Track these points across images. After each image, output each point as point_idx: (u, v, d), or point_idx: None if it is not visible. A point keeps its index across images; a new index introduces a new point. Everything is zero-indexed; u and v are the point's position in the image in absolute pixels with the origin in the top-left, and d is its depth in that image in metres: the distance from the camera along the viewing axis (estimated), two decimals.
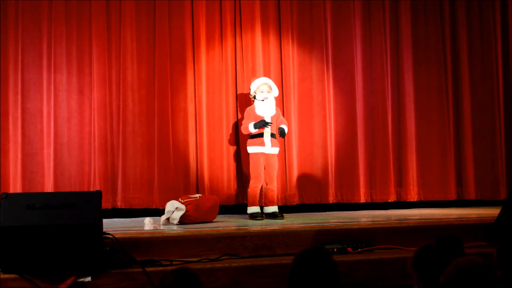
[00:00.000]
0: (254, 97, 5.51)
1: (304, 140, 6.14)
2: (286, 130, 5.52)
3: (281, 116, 5.68)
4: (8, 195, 3.38)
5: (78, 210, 3.36)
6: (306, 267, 2.55)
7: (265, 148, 5.37)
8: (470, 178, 6.48)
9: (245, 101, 5.96)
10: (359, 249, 3.95)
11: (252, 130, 5.39)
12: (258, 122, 5.33)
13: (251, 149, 5.43)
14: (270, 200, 5.40)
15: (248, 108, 5.57)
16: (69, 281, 3.12)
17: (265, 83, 5.49)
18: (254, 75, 5.92)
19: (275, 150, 5.45)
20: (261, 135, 5.37)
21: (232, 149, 5.99)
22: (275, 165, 5.45)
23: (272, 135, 5.42)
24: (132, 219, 5.57)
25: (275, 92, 5.57)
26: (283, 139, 5.85)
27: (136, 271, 3.42)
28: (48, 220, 3.31)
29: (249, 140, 5.46)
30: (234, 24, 6.12)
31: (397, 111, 6.43)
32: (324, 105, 6.19)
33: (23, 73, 5.67)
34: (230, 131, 5.99)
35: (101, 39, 5.84)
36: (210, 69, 6.04)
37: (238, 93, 6.06)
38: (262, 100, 5.44)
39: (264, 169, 5.40)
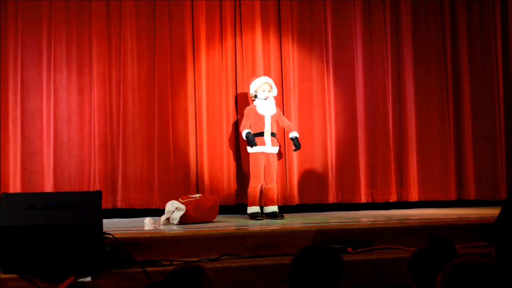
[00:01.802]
0: (255, 96, 5.51)
1: (304, 140, 6.12)
2: (297, 136, 5.55)
3: (283, 117, 5.68)
4: (8, 195, 3.38)
5: (78, 210, 3.36)
6: (308, 264, 2.53)
7: (265, 148, 5.38)
8: (470, 178, 6.48)
9: (245, 101, 5.95)
10: (359, 249, 3.95)
11: (243, 136, 5.41)
12: (251, 140, 5.31)
13: (251, 149, 5.43)
14: (270, 199, 5.40)
15: (248, 108, 5.57)
16: (67, 281, 3.12)
17: (266, 82, 5.50)
18: (254, 75, 5.91)
19: (275, 149, 5.46)
20: (261, 134, 5.38)
21: (232, 149, 5.99)
22: (275, 164, 5.46)
23: (272, 134, 5.43)
24: (132, 219, 5.57)
25: (275, 91, 5.58)
26: (284, 137, 5.86)
27: (136, 271, 3.42)
28: (48, 220, 3.31)
29: None
30: (234, 24, 6.12)
31: (397, 111, 6.43)
32: (324, 105, 6.19)
33: (22, 72, 5.67)
34: (230, 131, 5.99)
35: (101, 39, 5.83)
36: (210, 69, 6.03)
37: (238, 93, 6.06)
38: (265, 99, 5.44)
39: (264, 168, 5.40)
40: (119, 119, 5.81)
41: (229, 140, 6.00)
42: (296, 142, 5.52)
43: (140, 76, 5.89)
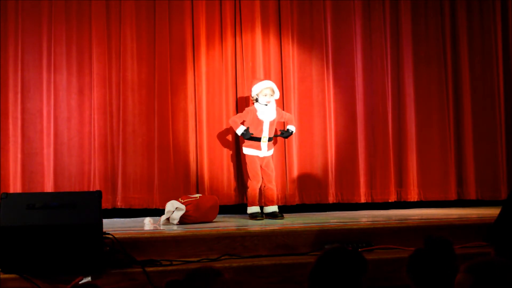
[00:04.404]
0: (256, 99, 5.49)
1: (304, 140, 6.14)
2: (293, 131, 5.59)
3: (283, 113, 5.66)
4: (8, 195, 3.38)
5: (78, 210, 3.36)
6: (332, 265, 2.51)
7: (260, 152, 5.39)
8: (471, 177, 6.47)
9: (245, 101, 5.96)
10: (359, 249, 3.95)
11: (238, 133, 5.44)
12: (248, 135, 5.35)
13: (246, 150, 5.44)
14: (269, 199, 5.40)
15: (249, 108, 5.55)
16: (74, 282, 3.14)
17: (269, 87, 5.44)
18: (254, 75, 5.91)
19: (270, 153, 5.48)
20: (258, 139, 5.37)
21: (232, 149, 5.99)
22: (271, 164, 5.47)
23: (269, 139, 5.43)
24: (132, 219, 5.57)
25: (277, 95, 5.56)
26: (282, 138, 5.86)
27: (136, 271, 3.43)
28: (48, 220, 3.32)
29: (246, 141, 5.45)
30: (234, 24, 6.11)
31: (397, 111, 6.42)
32: (324, 105, 6.19)
33: (23, 73, 5.67)
34: (230, 131, 5.98)
35: (101, 39, 5.83)
36: (210, 69, 6.03)
37: (238, 93, 6.06)
38: (265, 105, 5.42)
39: (261, 169, 5.41)
40: (119, 119, 5.81)
41: (229, 140, 6.00)
42: (286, 133, 5.55)
43: (140, 76, 5.89)
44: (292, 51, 6.18)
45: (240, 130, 5.42)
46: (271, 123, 5.44)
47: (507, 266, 1.92)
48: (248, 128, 5.41)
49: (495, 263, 1.94)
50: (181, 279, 2.55)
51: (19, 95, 5.65)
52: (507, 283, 1.87)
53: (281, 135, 5.59)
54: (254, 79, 5.74)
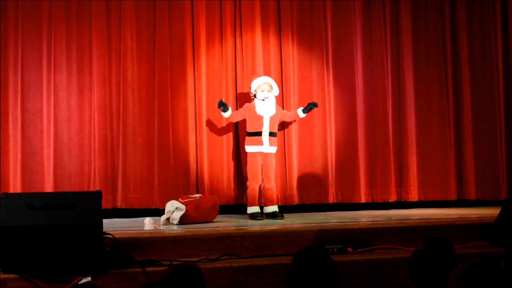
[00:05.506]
0: (255, 95, 5.51)
1: (304, 140, 6.14)
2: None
3: (285, 111, 5.70)
4: (8, 195, 3.38)
5: (78, 210, 3.36)
6: (305, 267, 2.55)
7: (263, 147, 5.38)
8: (471, 178, 6.48)
9: (244, 100, 5.95)
10: (359, 249, 3.95)
11: (221, 109, 5.48)
12: (223, 103, 5.42)
13: (248, 148, 5.44)
14: (269, 199, 5.40)
15: (248, 104, 5.58)
16: (74, 282, 3.14)
17: (266, 83, 5.48)
18: (254, 75, 5.91)
19: (273, 149, 5.46)
20: (259, 133, 5.38)
21: (232, 149, 5.99)
22: (272, 164, 5.46)
23: (272, 134, 5.43)
24: (132, 219, 5.57)
25: (276, 91, 5.57)
26: (283, 135, 5.86)
27: (136, 271, 3.42)
28: (48, 220, 3.31)
29: (247, 138, 5.47)
30: (234, 24, 6.12)
31: (397, 111, 6.43)
32: (324, 105, 6.19)
33: (23, 73, 5.67)
34: (230, 131, 5.99)
35: (101, 39, 5.83)
36: (210, 69, 6.03)
37: (238, 93, 6.06)
38: (263, 100, 5.44)
39: (262, 168, 5.40)
40: (119, 119, 5.81)
41: (229, 140, 6.00)
42: (308, 107, 5.62)
43: (140, 76, 5.89)
44: (292, 51, 6.19)
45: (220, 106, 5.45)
46: (272, 118, 5.44)
47: (498, 272, 1.93)
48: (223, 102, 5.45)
49: (488, 271, 1.95)
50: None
51: (19, 95, 5.65)
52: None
53: (310, 107, 5.64)
54: (252, 77, 5.75)
